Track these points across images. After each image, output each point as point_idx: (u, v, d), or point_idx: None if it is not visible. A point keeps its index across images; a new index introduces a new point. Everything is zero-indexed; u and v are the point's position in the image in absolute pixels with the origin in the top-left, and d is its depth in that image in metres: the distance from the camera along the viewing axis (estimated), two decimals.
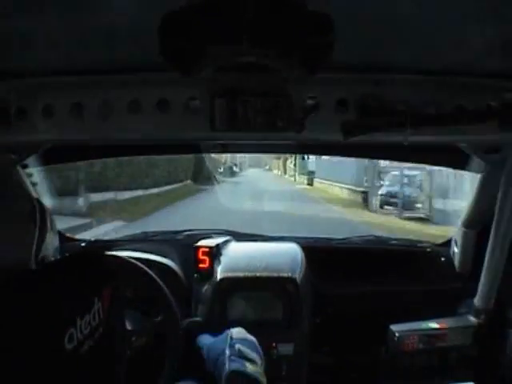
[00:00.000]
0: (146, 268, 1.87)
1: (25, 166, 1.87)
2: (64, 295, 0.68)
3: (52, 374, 0.62)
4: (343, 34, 0.90)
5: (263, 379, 1.47)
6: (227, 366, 1.48)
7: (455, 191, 12.13)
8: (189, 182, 23.67)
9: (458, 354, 1.86)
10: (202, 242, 2.30)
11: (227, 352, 1.53)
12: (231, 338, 1.60)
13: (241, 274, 2.06)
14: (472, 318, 1.88)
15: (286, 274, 2.01)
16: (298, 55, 0.94)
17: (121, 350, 0.88)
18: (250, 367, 1.47)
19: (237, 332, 1.64)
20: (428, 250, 2.39)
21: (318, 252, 2.34)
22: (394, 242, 2.62)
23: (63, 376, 0.64)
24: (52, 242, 1.99)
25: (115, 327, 0.81)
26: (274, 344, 1.94)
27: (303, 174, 30.18)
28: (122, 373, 0.86)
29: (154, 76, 1.30)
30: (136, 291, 1.89)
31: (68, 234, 2.49)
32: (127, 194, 16.29)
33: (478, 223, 1.94)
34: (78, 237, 2.58)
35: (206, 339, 1.72)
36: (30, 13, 0.96)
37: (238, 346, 1.54)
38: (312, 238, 2.73)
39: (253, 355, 1.55)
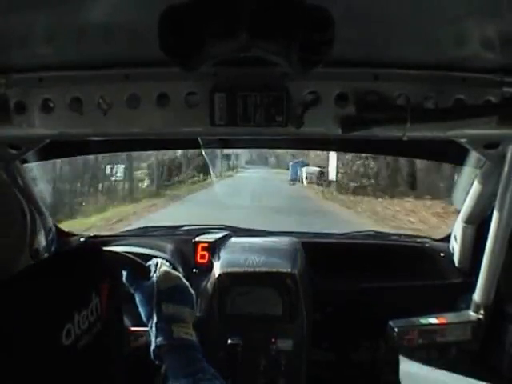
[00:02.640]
0: (144, 263, 1.87)
1: (24, 161, 1.87)
2: (62, 290, 0.68)
3: (50, 369, 0.62)
4: (343, 28, 0.89)
5: (191, 337, 1.41)
6: (154, 338, 1.41)
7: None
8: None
9: (458, 349, 1.87)
10: (200, 237, 2.30)
11: (154, 317, 1.44)
12: (157, 291, 1.48)
13: (240, 269, 2.06)
14: (471, 313, 1.88)
15: (284, 270, 2.01)
16: (298, 50, 0.94)
17: (119, 344, 0.88)
18: (175, 331, 1.41)
19: (162, 280, 1.51)
20: (427, 245, 2.39)
21: (317, 247, 2.34)
22: (393, 237, 2.62)
23: (61, 370, 0.64)
24: (45, 236, 2.00)
25: (113, 322, 0.81)
26: (273, 339, 1.94)
27: None
28: (119, 367, 0.86)
29: (153, 71, 1.30)
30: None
31: (66, 229, 2.49)
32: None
33: (477, 218, 1.94)
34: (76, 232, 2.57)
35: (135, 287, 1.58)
36: (28, 8, 0.95)
37: (163, 306, 1.45)
38: (311, 233, 2.73)
39: (180, 312, 1.47)
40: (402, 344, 1.81)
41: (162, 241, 2.41)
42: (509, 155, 1.55)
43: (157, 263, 1.56)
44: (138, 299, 1.51)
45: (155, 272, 1.52)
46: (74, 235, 2.50)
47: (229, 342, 1.89)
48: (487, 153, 1.60)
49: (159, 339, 1.38)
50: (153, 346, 1.40)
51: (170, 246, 2.36)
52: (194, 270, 2.24)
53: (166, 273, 1.53)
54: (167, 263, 1.62)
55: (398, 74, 1.30)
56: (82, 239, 2.47)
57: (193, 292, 1.55)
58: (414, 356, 1.83)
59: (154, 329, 1.42)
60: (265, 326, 1.85)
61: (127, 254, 1.84)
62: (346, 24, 0.86)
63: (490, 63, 1.27)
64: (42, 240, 1.13)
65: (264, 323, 1.88)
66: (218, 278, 2.04)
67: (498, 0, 0.92)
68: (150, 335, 1.43)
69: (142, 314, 1.49)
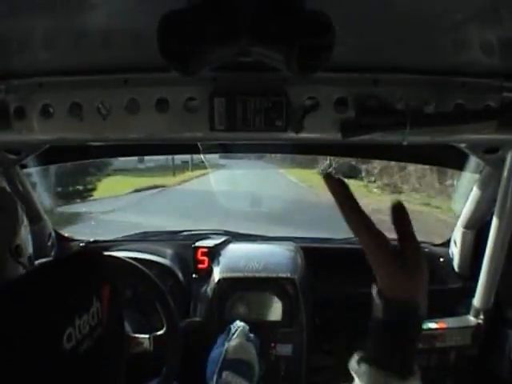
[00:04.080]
0: (144, 268, 1.87)
1: (24, 167, 1.87)
2: (62, 295, 0.67)
3: (50, 374, 0.62)
4: (342, 33, 0.90)
5: None
6: None
7: None
8: None
9: (457, 353, 1.87)
10: (200, 243, 2.30)
11: (214, 379, 1.62)
12: (224, 357, 1.67)
13: (239, 275, 2.05)
14: (471, 318, 1.88)
15: (284, 275, 2.00)
16: (297, 55, 0.94)
17: (120, 349, 0.88)
18: None
19: (232, 349, 1.70)
20: (427, 250, 2.38)
21: (316, 252, 2.34)
22: (392, 241, 2.61)
23: (62, 376, 0.63)
24: (45, 241, 1.99)
25: (114, 327, 0.81)
26: (272, 344, 1.94)
27: None
28: (121, 373, 0.85)
29: (152, 76, 1.30)
30: (135, 291, 1.89)
31: (67, 234, 2.49)
32: None
33: (477, 223, 1.94)
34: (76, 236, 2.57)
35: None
36: (28, 13, 0.96)
37: (224, 373, 1.62)
38: (310, 238, 2.73)
39: (239, 382, 1.62)
40: None
41: (161, 246, 2.41)
42: (508, 160, 1.55)
43: (237, 329, 1.76)
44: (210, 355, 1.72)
45: (230, 339, 1.72)
46: (74, 240, 2.50)
47: None
48: (487, 158, 1.61)
49: None
50: None
51: (169, 251, 2.36)
52: (194, 275, 2.24)
53: (239, 344, 1.71)
54: (247, 329, 1.78)
55: (397, 79, 1.30)
56: (81, 244, 2.47)
57: (257, 367, 1.69)
58: None
59: None
60: (264, 330, 1.85)
61: (127, 259, 1.84)
62: (345, 29, 0.86)
63: (489, 68, 1.28)
64: (28, 244, 1.13)
65: (264, 328, 1.88)
66: (217, 283, 2.04)
67: (497, 5, 0.92)
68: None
69: (208, 370, 1.68)
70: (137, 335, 1.73)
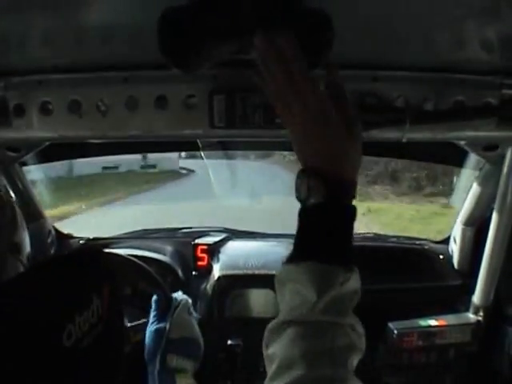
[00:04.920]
0: (144, 265, 1.87)
1: (23, 164, 1.87)
2: (62, 292, 0.67)
3: (50, 371, 0.62)
4: (341, 30, 0.90)
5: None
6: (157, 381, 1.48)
7: None
8: None
9: (457, 351, 1.87)
10: (200, 240, 2.30)
11: (157, 365, 1.50)
12: (166, 342, 1.54)
13: (239, 272, 2.06)
14: (471, 316, 1.88)
15: None
16: None
17: (120, 346, 0.88)
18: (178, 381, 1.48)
19: (175, 329, 1.56)
20: (426, 247, 2.39)
21: None
22: (392, 239, 2.62)
23: (62, 373, 0.64)
24: (44, 238, 1.99)
25: (114, 324, 0.81)
26: None
27: None
28: (120, 370, 0.85)
29: (152, 73, 1.30)
30: (134, 289, 1.89)
31: (66, 232, 2.49)
32: None
33: (477, 220, 1.94)
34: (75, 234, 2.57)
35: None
36: (27, 10, 0.96)
37: (169, 357, 1.51)
38: None
39: (184, 363, 1.52)
40: (402, 346, 1.81)
41: (161, 243, 2.41)
42: (508, 157, 1.55)
43: (180, 302, 1.63)
44: (147, 332, 1.58)
45: (173, 312, 1.59)
46: (74, 237, 2.50)
47: (228, 343, 1.89)
48: (486, 155, 1.61)
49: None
50: None
51: (169, 249, 2.36)
52: (194, 273, 2.24)
53: (182, 320, 1.59)
54: (190, 302, 1.68)
55: (396, 76, 1.30)
56: (81, 241, 2.47)
57: (201, 343, 1.61)
58: (413, 358, 1.83)
59: (156, 376, 1.47)
60: (264, 327, 1.85)
61: (127, 256, 1.84)
62: (344, 26, 0.86)
63: (489, 65, 1.27)
64: (26, 242, 1.13)
65: (263, 325, 1.88)
66: (217, 280, 2.05)
67: (496, 1, 0.92)
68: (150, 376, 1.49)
69: (146, 349, 1.54)
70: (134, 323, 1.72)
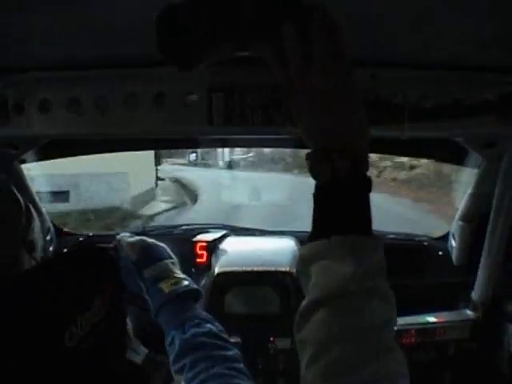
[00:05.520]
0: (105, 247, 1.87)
1: (23, 161, 1.87)
2: (64, 292, 0.67)
3: (53, 372, 0.62)
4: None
5: (180, 282, 1.40)
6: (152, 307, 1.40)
7: None
8: None
9: (456, 347, 1.87)
10: (199, 237, 2.30)
11: (145, 292, 1.43)
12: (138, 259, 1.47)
13: (238, 269, 2.06)
14: (469, 312, 1.88)
15: (283, 268, 2.01)
16: None
17: (122, 346, 0.88)
18: (165, 288, 1.39)
19: (132, 256, 1.47)
20: (425, 244, 2.39)
21: None
22: (391, 236, 2.62)
23: (64, 373, 0.64)
24: (43, 235, 1.99)
25: (116, 324, 0.81)
26: (271, 338, 1.94)
27: None
28: (123, 369, 0.86)
29: (151, 70, 1.30)
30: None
31: (65, 229, 2.49)
32: None
33: (476, 217, 1.94)
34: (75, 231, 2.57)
35: None
36: (26, 8, 0.95)
37: (146, 275, 1.43)
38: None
39: (161, 268, 1.45)
40: (401, 343, 1.81)
41: (160, 240, 2.41)
42: (507, 154, 1.55)
43: (119, 241, 1.51)
44: (124, 279, 1.38)
45: (120, 249, 1.49)
46: (73, 234, 2.50)
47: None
48: (485, 152, 1.61)
49: (155, 303, 1.38)
50: (153, 314, 1.39)
51: (168, 246, 2.36)
52: (193, 270, 2.24)
53: (130, 244, 1.50)
54: (127, 234, 1.59)
55: (395, 74, 1.30)
56: (80, 239, 2.47)
57: (162, 244, 1.56)
58: (412, 354, 1.83)
59: (147, 297, 1.41)
60: (263, 324, 1.85)
61: None
62: (343, 22, 0.86)
63: (487, 62, 1.27)
64: (40, 239, 1.14)
65: (262, 322, 1.88)
66: (216, 277, 2.04)
67: None
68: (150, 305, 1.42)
69: (133, 289, 1.45)
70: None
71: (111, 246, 1.50)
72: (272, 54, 0.83)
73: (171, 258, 1.52)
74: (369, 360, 0.70)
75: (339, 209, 0.80)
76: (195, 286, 1.44)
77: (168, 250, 1.54)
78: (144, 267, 1.44)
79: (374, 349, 0.72)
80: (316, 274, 0.80)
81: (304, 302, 0.82)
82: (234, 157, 24.91)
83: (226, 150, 20.88)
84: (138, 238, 1.54)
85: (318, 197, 0.82)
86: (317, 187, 0.82)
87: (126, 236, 1.54)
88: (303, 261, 0.84)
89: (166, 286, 1.39)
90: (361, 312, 0.74)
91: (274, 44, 0.82)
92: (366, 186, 0.81)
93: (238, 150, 23.33)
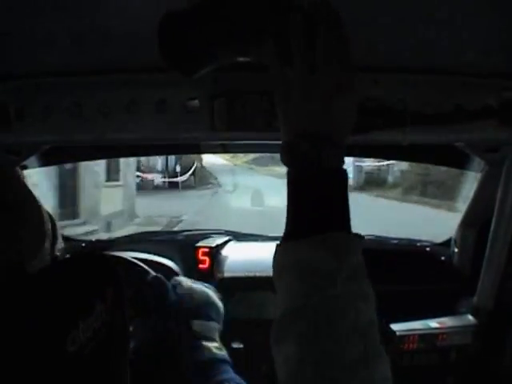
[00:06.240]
0: (147, 268, 1.87)
1: (24, 167, 1.87)
2: (66, 297, 0.67)
3: (54, 377, 0.62)
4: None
5: (221, 352, 1.43)
6: (188, 357, 1.42)
7: None
8: None
9: (458, 353, 1.87)
10: (201, 243, 2.30)
11: (183, 340, 1.46)
12: (186, 311, 1.50)
13: (241, 274, 2.06)
14: (472, 317, 1.88)
15: None
16: None
17: (124, 350, 0.88)
18: (207, 348, 1.42)
19: (187, 297, 1.52)
20: (428, 249, 2.39)
21: None
22: (393, 241, 2.61)
23: (66, 379, 0.64)
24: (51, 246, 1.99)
25: (118, 328, 0.81)
26: None
27: None
28: (126, 374, 0.85)
29: (152, 76, 1.30)
30: (136, 292, 1.89)
31: (67, 235, 2.49)
32: None
33: (478, 222, 1.94)
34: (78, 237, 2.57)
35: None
36: (28, 14, 0.96)
37: (194, 327, 1.46)
38: None
39: (208, 329, 1.49)
40: (403, 348, 1.81)
41: (162, 246, 2.41)
42: (509, 159, 1.55)
43: (180, 281, 1.56)
44: (160, 315, 1.53)
45: (179, 290, 1.53)
46: (75, 240, 2.50)
47: (230, 346, 1.89)
48: (487, 157, 1.61)
49: (194, 357, 1.41)
50: (187, 363, 1.41)
51: (170, 251, 2.36)
52: (195, 275, 2.24)
53: (193, 290, 1.54)
54: (191, 279, 1.63)
55: (397, 79, 1.30)
56: (83, 244, 2.47)
57: (221, 305, 1.58)
58: (414, 360, 1.82)
59: (184, 345, 1.44)
60: (266, 330, 1.85)
61: (130, 259, 1.84)
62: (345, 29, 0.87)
63: (489, 68, 1.28)
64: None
65: (265, 327, 1.87)
66: (219, 282, 2.04)
67: (497, 4, 0.92)
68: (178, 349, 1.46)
69: (165, 328, 1.51)
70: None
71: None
72: (273, 54, 0.81)
73: (219, 322, 1.55)
74: (357, 364, 0.66)
75: (311, 203, 0.74)
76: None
77: (222, 312, 1.58)
78: (195, 318, 1.48)
79: (362, 352, 0.67)
80: (295, 277, 0.77)
81: (280, 313, 0.81)
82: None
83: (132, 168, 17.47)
84: (200, 286, 1.58)
85: (293, 190, 0.76)
86: (293, 180, 0.76)
87: (188, 280, 1.59)
88: (278, 265, 0.84)
89: (211, 347, 1.43)
90: (346, 314, 0.69)
91: (278, 42, 0.81)
92: (339, 177, 0.76)
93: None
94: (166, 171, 25.38)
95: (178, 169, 24.84)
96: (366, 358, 0.67)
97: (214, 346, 1.44)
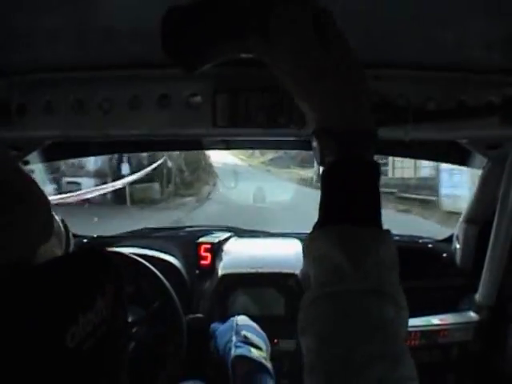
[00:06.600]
0: (148, 264, 1.88)
1: (26, 163, 1.87)
2: (66, 292, 0.67)
3: (54, 372, 0.61)
4: (344, 29, 0.89)
5: (268, 363, 1.52)
6: (233, 351, 1.54)
7: None
8: None
9: (460, 349, 1.87)
10: (203, 239, 2.30)
11: (233, 339, 1.60)
12: (237, 324, 1.68)
13: (242, 270, 2.06)
14: (474, 314, 1.88)
15: (287, 270, 2.01)
16: None
17: (123, 346, 0.88)
18: (254, 352, 1.53)
19: (241, 319, 1.73)
20: (429, 245, 2.38)
21: None
22: (395, 237, 2.61)
23: (65, 374, 0.63)
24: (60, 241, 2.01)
25: (118, 324, 0.81)
26: (275, 340, 1.94)
27: None
28: (124, 370, 0.85)
29: (155, 72, 1.30)
30: (138, 287, 1.89)
31: (73, 231, 2.49)
32: None
33: (480, 219, 1.94)
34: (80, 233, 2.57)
35: (215, 327, 1.81)
36: (30, 9, 0.96)
37: (243, 332, 1.62)
38: None
39: (258, 341, 1.61)
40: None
41: (164, 242, 2.42)
42: (511, 155, 1.55)
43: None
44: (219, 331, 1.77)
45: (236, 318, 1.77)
46: (77, 236, 2.50)
47: None
48: (489, 153, 1.61)
49: (239, 351, 1.54)
50: (231, 357, 1.53)
51: (172, 248, 2.36)
52: (197, 272, 2.24)
53: (248, 319, 1.78)
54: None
55: (399, 75, 1.30)
56: (85, 240, 2.47)
57: (266, 337, 1.71)
58: (416, 356, 1.82)
59: (233, 346, 1.58)
60: (267, 326, 1.85)
61: (131, 255, 1.84)
62: (346, 25, 0.86)
63: (491, 64, 1.27)
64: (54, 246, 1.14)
65: (267, 324, 1.88)
66: (220, 279, 2.05)
67: (499, 1, 0.92)
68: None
69: (220, 343, 1.68)
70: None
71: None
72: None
73: (267, 347, 1.69)
74: (374, 362, 0.64)
75: (335, 194, 0.73)
76: None
77: (268, 344, 1.72)
78: (245, 330, 1.68)
79: (379, 351, 0.65)
80: (315, 266, 0.74)
81: (305, 296, 0.73)
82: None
83: None
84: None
85: (323, 181, 0.75)
86: (323, 170, 0.75)
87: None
88: (304, 253, 0.78)
89: (254, 351, 1.57)
90: (365, 311, 0.67)
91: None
92: (364, 168, 0.74)
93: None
94: (111, 173, 16.48)
95: (126, 169, 16.06)
96: (383, 356, 0.65)
97: (260, 353, 1.57)
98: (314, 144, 0.76)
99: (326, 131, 0.74)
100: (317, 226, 0.74)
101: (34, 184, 0.78)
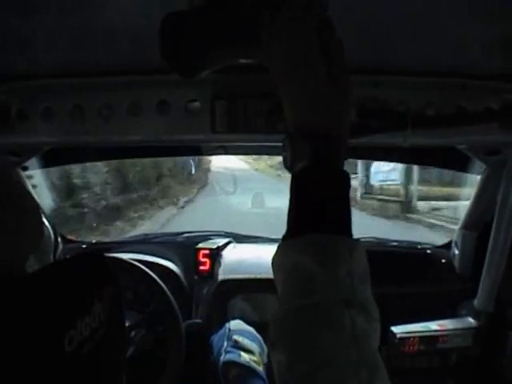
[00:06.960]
0: (146, 270, 1.88)
1: (25, 169, 1.87)
2: (64, 297, 0.67)
3: (52, 377, 0.61)
4: (343, 35, 0.90)
5: (259, 367, 1.51)
6: (222, 357, 1.56)
7: None
8: None
9: (459, 355, 1.86)
10: (202, 244, 2.31)
11: (225, 344, 1.63)
12: (229, 329, 1.72)
13: (241, 276, 2.06)
14: (472, 320, 1.88)
15: None
16: None
17: (121, 351, 0.88)
18: (244, 356, 1.55)
19: (234, 324, 1.76)
20: (428, 251, 2.39)
21: None
22: (394, 243, 2.61)
23: (63, 378, 0.63)
24: (49, 246, 2.00)
25: (116, 328, 0.81)
26: None
27: None
28: (122, 375, 0.85)
29: (154, 78, 1.30)
30: (136, 293, 1.89)
31: (68, 236, 2.49)
32: None
33: (479, 225, 1.94)
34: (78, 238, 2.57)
35: (213, 335, 1.83)
36: (29, 14, 0.96)
37: (234, 337, 1.64)
38: None
39: (250, 344, 1.62)
40: (404, 350, 1.81)
41: (163, 247, 2.42)
42: (510, 162, 1.55)
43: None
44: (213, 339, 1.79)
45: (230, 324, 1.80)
46: (76, 242, 2.50)
47: None
48: (488, 159, 1.61)
49: (228, 356, 1.56)
50: (221, 362, 1.56)
51: (171, 253, 2.36)
52: (195, 277, 2.24)
53: (242, 324, 1.80)
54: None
55: (398, 81, 1.30)
56: (83, 245, 2.47)
57: (261, 341, 1.73)
58: (415, 362, 1.82)
59: (223, 352, 1.60)
60: (266, 332, 1.85)
61: (129, 260, 1.84)
62: (346, 31, 0.87)
63: (490, 70, 1.28)
64: (45, 251, 1.14)
65: (265, 330, 1.88)
66: (219, 284, 2.05)
67: (498, 6, 0.92)
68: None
69: (215, 350, 1.70)
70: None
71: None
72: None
73: (261, 349, 1.70)
74: (349, 376, 0.61)
75: (304, 202, 0.71)
76: None
77: (262, 344, 1.74)
78: (237, 335, 1.72)
79: (354, 363, 0.62)
80: (286, 278, 0.73)
81: (276, 313, 0.75)
82: None
83: None
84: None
85: (291, 188, 0.73)
86: (292, 177, 0.74)
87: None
88: (273, 265, 0.78)
89: (244, 355, 1.58)
90: (338, 324, 0.64)
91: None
92: (346, 178, 0.73)
93: None
94: None
95: None
96: (358, 369, 0.62)
97: (251, 357, 1.57)
98: (286, 147, 0.75)
99: (302, 134, 0.72)
100: (288, 236, 0.73)
101: (23, 188, 0.78)
